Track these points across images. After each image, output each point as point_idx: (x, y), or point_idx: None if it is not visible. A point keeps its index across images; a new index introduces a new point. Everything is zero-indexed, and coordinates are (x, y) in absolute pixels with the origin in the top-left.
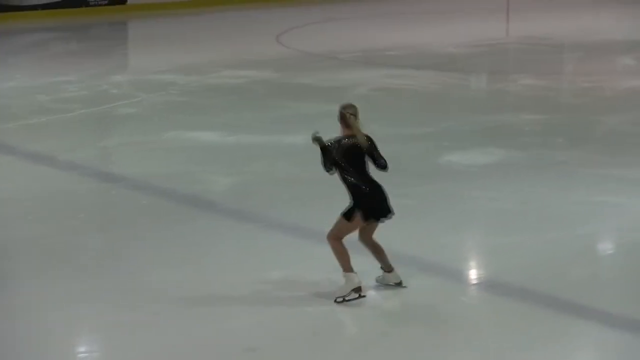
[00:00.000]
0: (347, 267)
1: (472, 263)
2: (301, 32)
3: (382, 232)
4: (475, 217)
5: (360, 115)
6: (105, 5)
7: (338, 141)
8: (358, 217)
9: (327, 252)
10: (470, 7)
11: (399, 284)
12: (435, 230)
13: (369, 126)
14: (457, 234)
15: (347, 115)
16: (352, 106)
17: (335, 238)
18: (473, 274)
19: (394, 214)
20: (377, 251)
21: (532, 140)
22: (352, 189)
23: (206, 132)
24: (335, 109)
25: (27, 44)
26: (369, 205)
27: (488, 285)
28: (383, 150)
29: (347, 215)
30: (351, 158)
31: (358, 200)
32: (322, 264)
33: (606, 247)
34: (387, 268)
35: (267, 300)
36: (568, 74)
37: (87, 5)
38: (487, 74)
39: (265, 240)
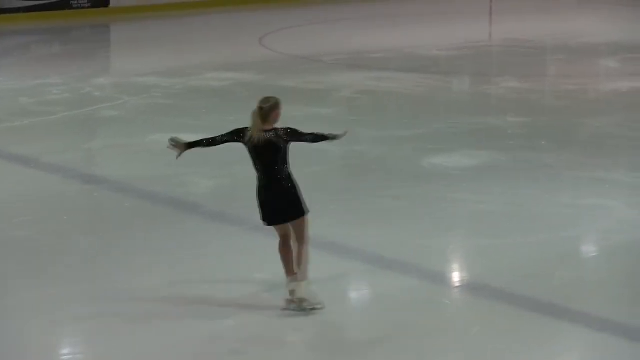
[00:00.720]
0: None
1: (457, 265)
2: (285, 35)
3: (368, 233)
4: (460, 219)
5: (346, 118)
6: (88, 8)
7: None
8: None
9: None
10: (454, 10)
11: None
12: (420, 232)
13: (353, 128)
14: (442, 237)
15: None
16: (263, 99)
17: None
18: (457, 277)
19: (264, 223)
20: (293, 259)
21: (517, 142)
22: (259, 188)
23: (190, 135)
24: (321, 112)
25: (9, 47)
26: (262, 210)
27: (473, 288)
28: (370, 152)
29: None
30: (255, 153)
31: (259, 200)
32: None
33: (592, 249)
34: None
35: (252, 303)
36: (551, 77)
37: (70, 8)
38: (470, 77)
39: (249, 243)
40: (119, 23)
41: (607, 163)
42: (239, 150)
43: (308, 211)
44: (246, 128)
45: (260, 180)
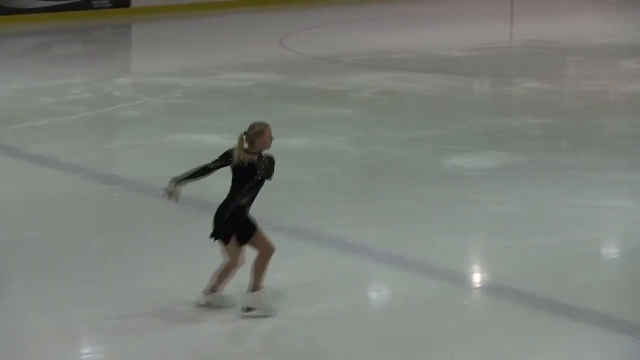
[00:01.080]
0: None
1: (477, 266)
2: (305, 35)
3: (387, 234)
4: (480, 220)
5: (365, 119)
6: (109, 8)
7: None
8: None
9: (328, 255)
10: (474, 11)
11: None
12: (440, 233)
13: (373, 130)
14: (462, 237)
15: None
16: (251, 124)
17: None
18: (477, 278)
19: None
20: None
21: (537, 143)
22: None
23: (209, 135)
24: (341, 113)
25: (30, 47)
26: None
27: (492, 288)
28: (390, 153)
29: None
30: (233, 173)
31: None
32: (324, 267)
33: (613, 250)
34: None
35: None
36: (572, 77)
37: (91, 7)
38: (491, 78)
39: None
40: (140, 23)
41: (628, 164)
42: None
43: (213, 238)
44: (233, 149)
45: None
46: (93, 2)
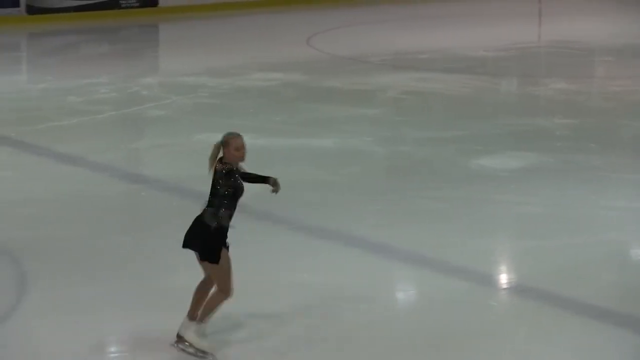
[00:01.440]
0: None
1: (502, 267)
2: (331, 35)
3: (413, 234)
4: (505, 221)
5: (391, 119)
6: (137, 7)
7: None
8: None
9: (354, 255)
10: (501, 11)
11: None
12: (466, 233)
13: (399, 130)
14: (488, 238)
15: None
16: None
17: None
18: (504, 278)
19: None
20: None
21: (563, 144)
22: None
23: None
24: (367, 113)
25: (58, 46)
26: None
27: (519, 289)
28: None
29: None
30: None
31: None
32: (350, 267)
33: (637, 252)
34: (198, 317)
35: (291, 303)
36: (599, 78)
37: (119, 7)
38: (518, 78)
39: (292, 244)
40: (167, 23)
41: None
42: (282, 151)
43: (215, 262)
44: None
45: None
46: (121, 1)
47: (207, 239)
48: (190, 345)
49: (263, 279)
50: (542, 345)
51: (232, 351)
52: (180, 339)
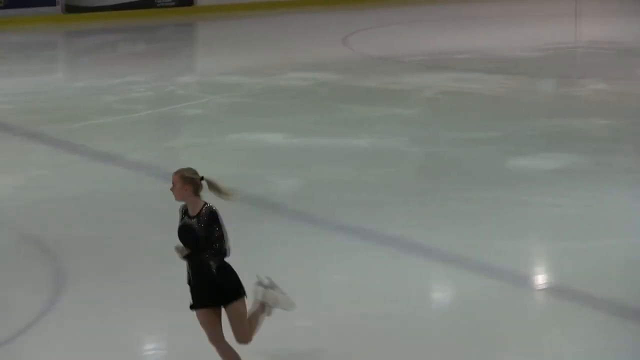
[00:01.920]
0: None
1: (535, 268)
2: (367, 35)
3: (446, 234)
4: (540, 222)
5: (426, 119)
6: (173, 6)
7: (183, 210)
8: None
9: (386, 255)
10: (539, 11)
11: None
12: (500, 234)
13: (433, 130)
14: (522, 239)
15: (198, 180)
16: (196, 171)
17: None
18: (537, 279)
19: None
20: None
21: (598, 145)
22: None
23: (271, 134)
24: (402, 113)
25: (95, 45)
26: (193, 288)
27: (552, 290)
28: (450, 154)
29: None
30: (183, 238)
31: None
32: (382, 267)
33: None
34: None
35: (330, 303)
36: (635, 79)
37: (155, 6)
38: (555, 78)
39: (327, 244)
40: (203, 22)
41: None
42: (315, 151)
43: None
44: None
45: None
46: (157, 0)
47: (225, 279)
48: None
49: (296, 278)
50: (574, 346)
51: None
52: None
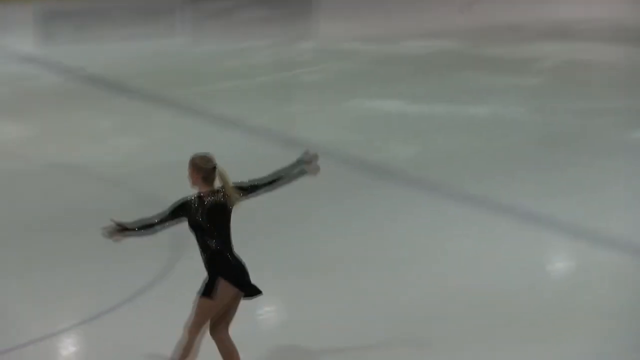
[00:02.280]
0: None
1: None
2: (488, 2)
3: (567, 205)
4: None
5: (548, 89)
6: None
7: (199, 197)
8: (224, 288)
9: (507, 224)
10: None
11: None
12: (621, 204)
13: (555, 100)
14: None
15: (209, 169)
16: (210, 159)
17: (196, 328)
18: None
19: (261, 293)
20: (230, 355)
21: None
22: (216, 256)
23: (388, 101)
24: (523, 82)
25: (216, 11)
26: (236, 276)
27: None
28: (572, 123)
29: (207, 290)
30: (216, 219)
31: (222, 271)
32: (502, 236)
33: None
34: None
35: (440, 272)
36: None
37: None
38: None
39: (443, 212)
40: None
41: None
42: (435, 119)
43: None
44: (189, 201)
45: (225, 250)
46: None
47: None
48: None
49: (410, 246)
50: None
51: (378, 313)
52: None
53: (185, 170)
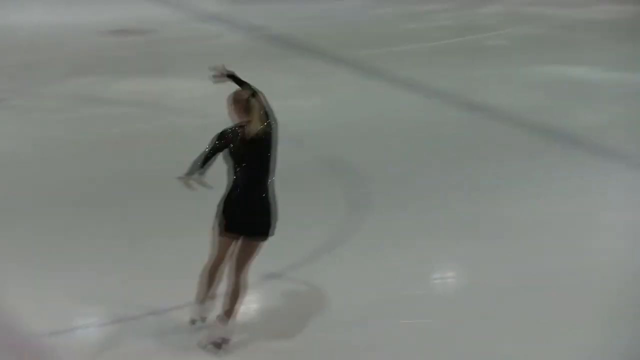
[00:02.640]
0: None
1: None
2: None
3: None
4: None
5: None
6: None
7: (236, 127)
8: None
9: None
10: None
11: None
12: None
13: None
14: None
15: (244, 98)
16: (244, 92)
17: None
18: None
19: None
20: (235, 295)
21: None
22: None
23: (573, 68)
24: None
25: None
26: (234, 213)
27: None
28: None
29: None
30: (247, 149)
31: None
32: None
33: None
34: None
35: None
36: None
37: None
38: None
39: (632, 180)
40: None
41: None
42: (620, 87)
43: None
44: (226, 130)
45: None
46: None
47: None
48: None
49: (574, 214)
50: None
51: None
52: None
53: (365, 129)
